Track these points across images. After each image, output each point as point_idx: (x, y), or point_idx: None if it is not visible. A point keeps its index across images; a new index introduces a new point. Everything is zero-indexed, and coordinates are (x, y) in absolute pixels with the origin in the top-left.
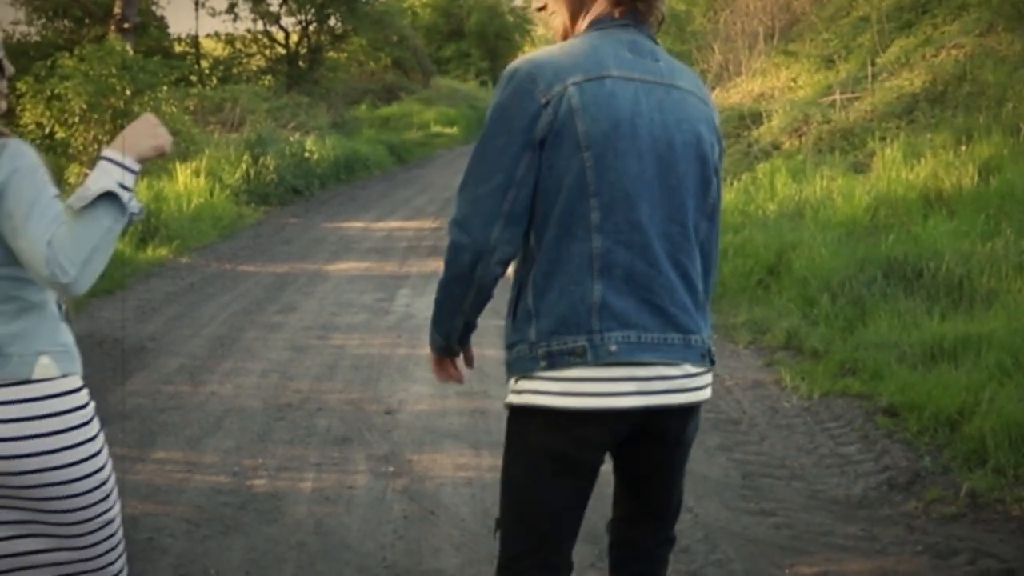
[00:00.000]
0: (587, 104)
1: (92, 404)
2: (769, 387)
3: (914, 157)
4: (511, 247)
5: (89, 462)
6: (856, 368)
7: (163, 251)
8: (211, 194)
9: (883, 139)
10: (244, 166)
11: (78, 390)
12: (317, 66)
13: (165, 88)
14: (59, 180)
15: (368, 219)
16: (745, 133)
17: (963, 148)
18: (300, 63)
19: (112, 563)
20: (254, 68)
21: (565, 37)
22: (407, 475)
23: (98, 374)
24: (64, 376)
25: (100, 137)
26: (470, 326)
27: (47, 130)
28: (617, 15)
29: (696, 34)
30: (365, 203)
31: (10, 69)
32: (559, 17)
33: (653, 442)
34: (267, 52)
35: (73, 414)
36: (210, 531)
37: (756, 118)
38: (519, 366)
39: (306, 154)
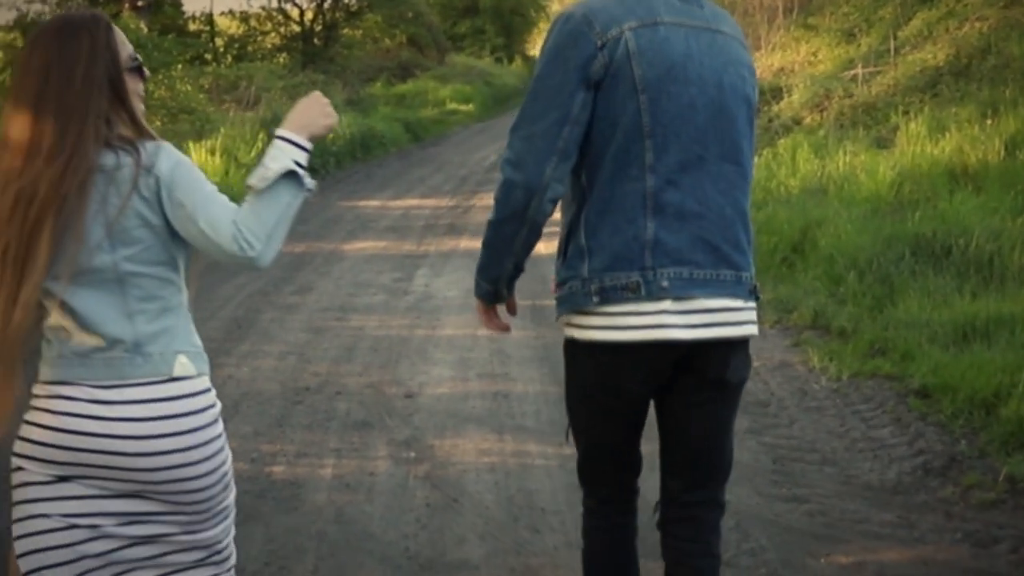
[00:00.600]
0: (643, 48)
1: (218, 404)
2: (797, 368)
3: (939, 131)
4: (562, 185)
5: (217, 457)
6: (886, 348)
7: None
8: (227, 173)
9: (906, 113)
10: (260, 144)
11: (208, 390)
12: (332, 43)
13: (180, 66)
14: None
15: (385, 197)
16: (765, 108)
17: (989, 122)
18: (315, 40)
19: (228, 545)
20: (269, 46)
21: None
22: (429, 461)
23: None
24: (199, 375)
25: None
26: (519, 268)
27: None
28: None
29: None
30: (381, 181)
31: (146, 72)
32: None
33: (698, 381)
34: (282, 30)
35: (206, 412)
36: None
37: (776, 93)
38: (571, 301)
39: None
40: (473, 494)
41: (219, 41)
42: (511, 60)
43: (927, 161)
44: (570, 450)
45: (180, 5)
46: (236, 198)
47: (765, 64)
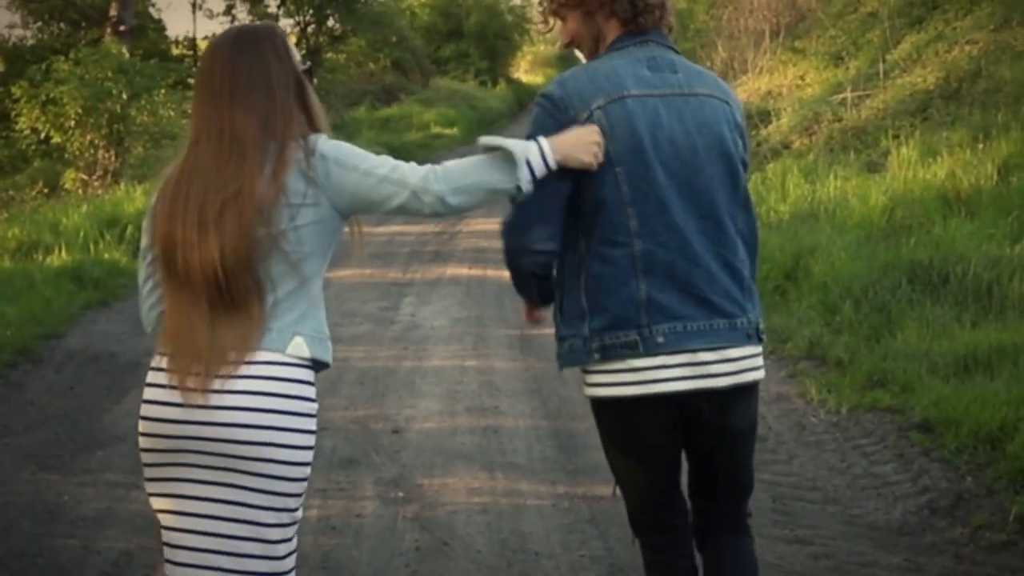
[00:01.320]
0: (612, 124)
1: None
2: (794, 400)
3: (930, 156)
4: (552, 243)
5: (308, 450)
6: (885, 380)
7: None
8: None
9: (896, 137)
10: None
11: (313, 397)
12: (316, 67)
13: (163, 91)
14: (55, 186)
15: (369, 223)
16: (753, 132)
17: (981, 146)
18: None
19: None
20: None
21: (590, 57)
22: (418, 501)
23: (92, 393)
24: (313, 360)
25: (96, 141)
26: (545, 298)
27: (42, 135)
28: (631, 32)
29: (699, 32)
30: None
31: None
32: (584, 47)
33: (704, 426)
34: None
35: (309, 403)
36: None
37: (764, 117)
38: (571, 358)
39: None
40: (464, 537)
41: None
42: (495, 83)
43: (919, 186)
44: (563, 488)
45: (163, 29)
46: None
47: (752, 88)
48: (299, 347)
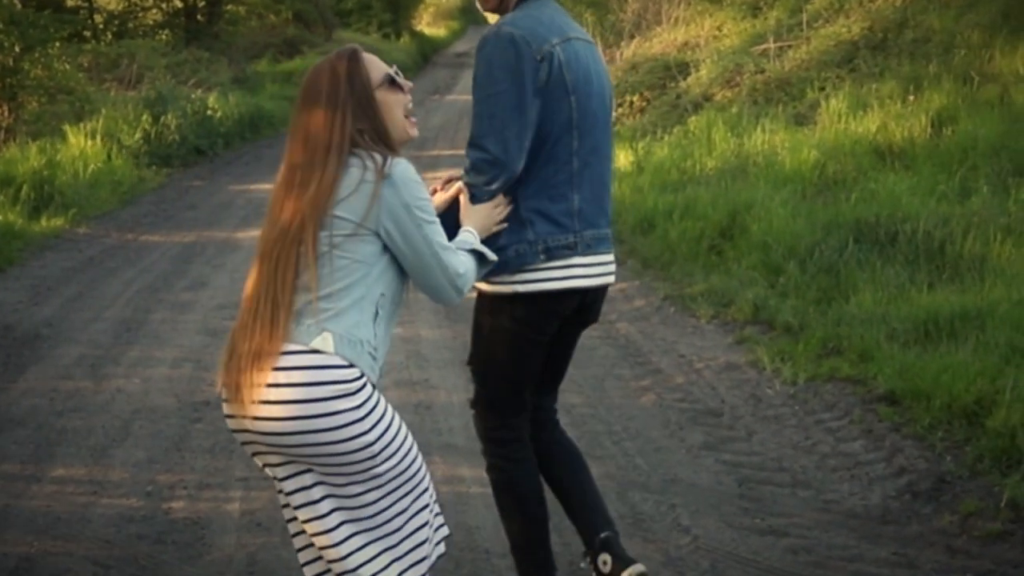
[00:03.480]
0: (568, 59)
1: (367, 396)
2: (745, 370)
3: (860, 108)
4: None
5: (355, 440)
6: (841, 347)
7: (58, 221)
8: (109, 157)
9: (822, 89)
10: (144, 126)
11: (350, 380)
12: (216, 19)
13: (57, 44)
14: None
15: (276, 181)
16: (672, 84)
17: (912, 98)
18: (199, 16)
19: (387, 512)
20: (151, 22)
21: (494, 10)
22: None
23: None
24: (338, 358)
25: None
26: None
27: None
28: None
29: None
30: (272, 163)
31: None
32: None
33: (579, 316)
34: (164, 5)
35: (341, 399)
36: (121, 574)
37: (682, 68)
38: (518, 260)
39: (208, 112)
40: None
41: (98, 17)
42: (399, 36)
43: (850, 139)
44: None
45: None
46: (122, 182)
47: (668, 39)
48: (325, 342)
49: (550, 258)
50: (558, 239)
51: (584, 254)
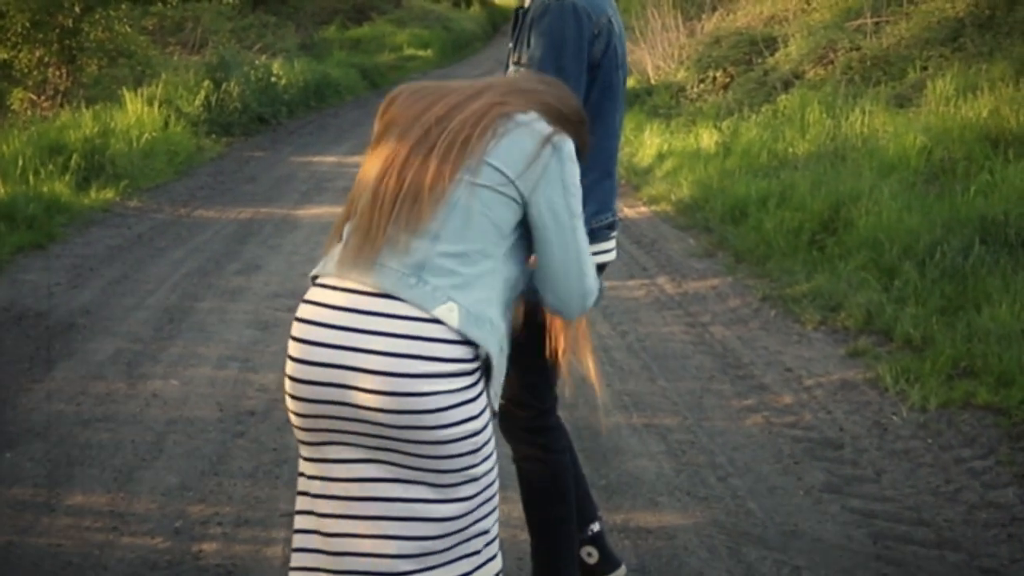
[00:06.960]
0: (619, 32)
1: (476, 380)
2: (864, 390)
3: (969, 90)
4: None
5: (464, 425)
6: (975, 367)
7: (108, 193)
8: (166, 125)
9: (924, 69)
10: (204, 92)
11: (468, 360)
12: None
13: (123, 5)
14: (1, 105)
15: (341, 152)
16: (759, 60)
17: None
18: None
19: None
20: None
21: None
22: None
23: (12, 365)
24: (459, 332)
25: (46, 59)
26: None
27: None
28: None
29: None
30: (337, 133)
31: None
32: None
33: None
34: None
35: (454, 378)
36: None
37: (770, 43)
38: None
39: (272, 79)
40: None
41: None
42: (469, 4)
43: (958, 124)
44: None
45: None
46: (178, 152)
47: (754, 13)
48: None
49: (594, 240)
50: (600, 220)
51: (616, 233)
